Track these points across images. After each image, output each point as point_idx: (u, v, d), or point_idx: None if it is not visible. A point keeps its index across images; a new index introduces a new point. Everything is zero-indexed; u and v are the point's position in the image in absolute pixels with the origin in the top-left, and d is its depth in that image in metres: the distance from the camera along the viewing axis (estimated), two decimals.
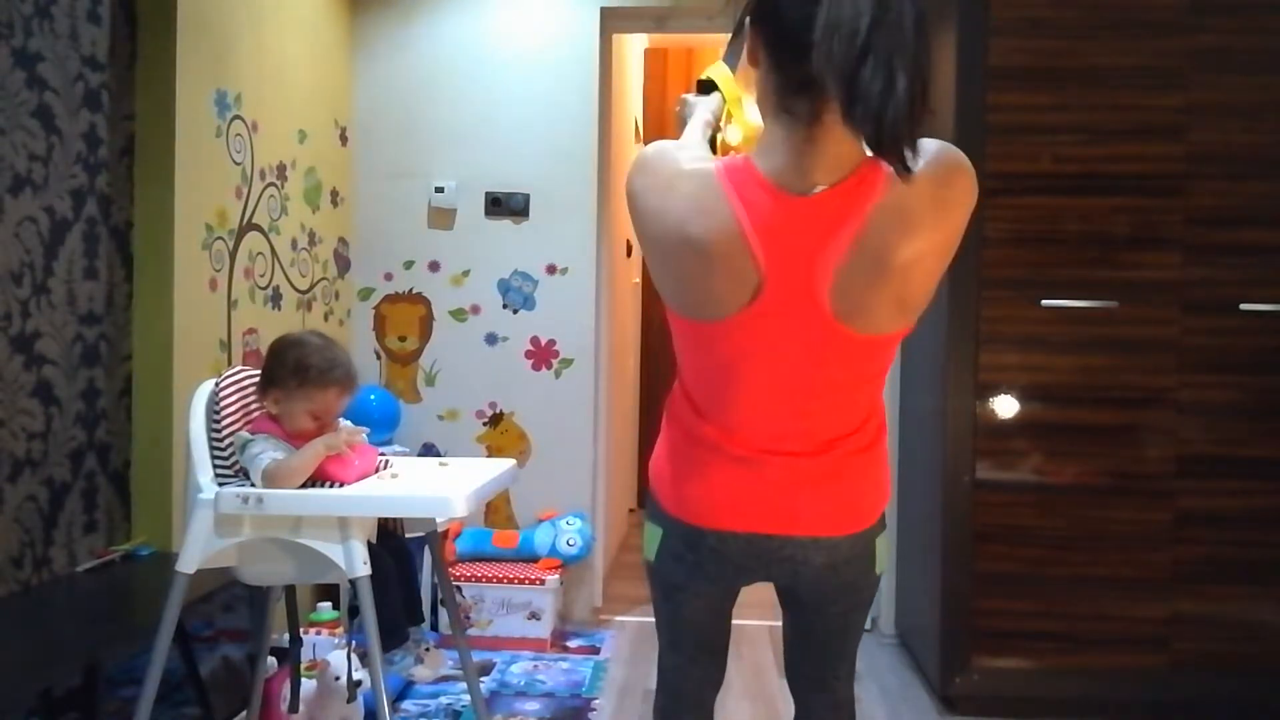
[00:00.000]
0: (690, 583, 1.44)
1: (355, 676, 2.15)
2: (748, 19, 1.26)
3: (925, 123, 1.12)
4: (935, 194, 1.19)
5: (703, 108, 1.51)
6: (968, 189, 1.21)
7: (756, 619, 3.54)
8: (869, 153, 1.15)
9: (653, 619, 1.59)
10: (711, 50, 5.41)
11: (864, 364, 1.30)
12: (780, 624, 1.68)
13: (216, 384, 1.89)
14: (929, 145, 1.20)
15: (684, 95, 1.56)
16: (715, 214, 1.21)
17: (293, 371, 1.82)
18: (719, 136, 1.53)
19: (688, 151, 1.30)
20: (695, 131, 1.47)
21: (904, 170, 1.13)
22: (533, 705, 2.88)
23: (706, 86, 1.53)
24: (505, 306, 3.67)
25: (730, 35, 1.49)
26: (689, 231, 1.22)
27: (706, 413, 1.36)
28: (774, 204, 1.20)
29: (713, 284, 1.24)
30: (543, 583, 3.34)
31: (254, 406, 1.91)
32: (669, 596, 1.49)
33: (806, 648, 1.55)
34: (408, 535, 2.06)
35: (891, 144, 1.10)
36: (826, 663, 1.55)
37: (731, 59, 1.52)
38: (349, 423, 1.96)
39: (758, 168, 1.23)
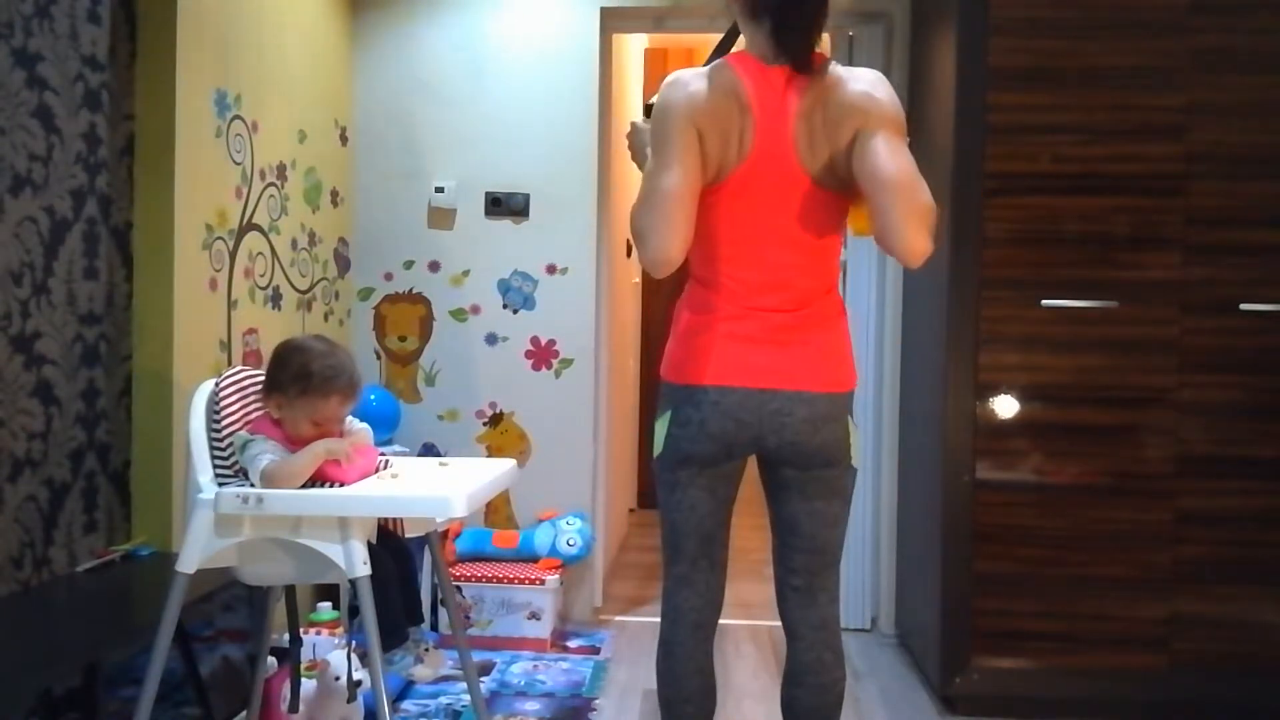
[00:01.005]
0: (695, 449, 1.73)
1: (355, 676, 2.15)
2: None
3: (822, 28, 1.70)
4: (865, 94, 1.68)
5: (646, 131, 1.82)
6: (874, 81, 1.70)
7: (757, 619, 3.54)
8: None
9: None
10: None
11: (824, 217, 1.71)
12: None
13: (216, 384, 1.89)
14: (867, 73, 1.73)
15: (633, 121, 1.89)
16: (729, 84, 1.68)
17: (294, 378, 1.82)
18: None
19: (703, 67, 1.73)
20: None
21: (805, 65, 1.68)
22: (533, 705, 2.88)
23: (650, 111, 1.76)
24: (505, 306, 3.67)
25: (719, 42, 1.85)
26: (713, 100, 1.66)
27: (706, 279, 1.75)
28: (762, 74, 1.69)
29: (723, 140, 1.65)
30: (543, 583, 3.34)
31: (254, 406, 1.91)
32: (676, 484, 1.77)
33: (794, 542, 1.80)
34: (408, 535, 2.06)
35: (801, 44, 1.69)
36: (812, 565, 1.79)
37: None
38: (357, 421, 1.96)
39: (748, 53, 1.72)
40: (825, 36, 1.77)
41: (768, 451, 1.75)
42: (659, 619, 1.90)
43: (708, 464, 1.75)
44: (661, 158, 1.66)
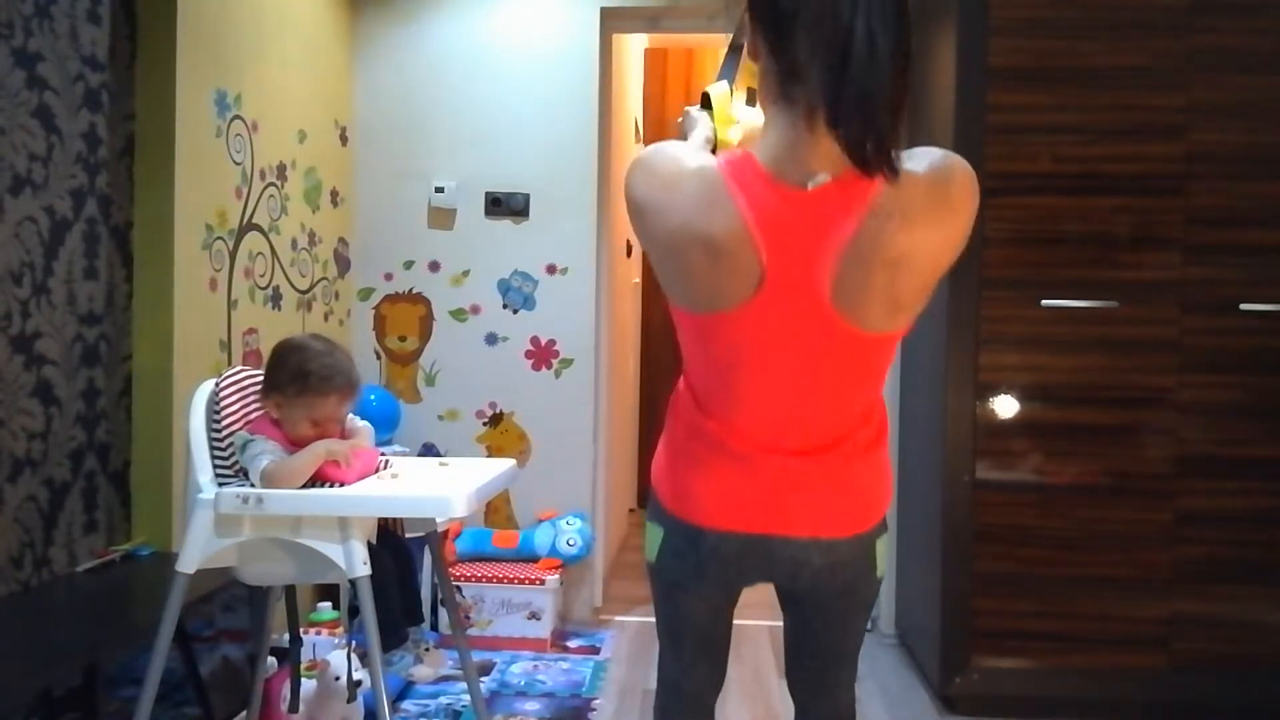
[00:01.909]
0: (691, 582, 1.44)
1: (355, 676, 2.15)
2: (746, 13, 1.27)
3: (905, 116, 1.18)
4: (932, 194, 1.20)
5: (704, 124, 1.51)
6: (967, 193, 1.22)
7: (756, 619, 3.54)
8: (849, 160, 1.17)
9: (653, 619, 1.59)
10: (711, 50, 5.40)
11: (862, 361, 1.30)
12: (781, 624, 1.68)
13: (216, 384, 1.89)
14: (932, 150, 1.23)
15: (687, 108, 1.57)
16: (720, 209, 1.22)
17: (292, 378, 1.82)
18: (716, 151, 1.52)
19: (688, 149, 1.31)
20: (696, 144, 1.47)
21: (887, 169, 1.16)
22: (533, 705, 2.88)
23: (708, 100, 1.52)
24: (505, 306, 3.67)
25: (727, 49, 1.51)
26: (694, 228, 1.23)
27: (709, 408, 1.37)
28: (776, 197, 1.21)
29: (717, 278, 1.24)
30: (543, 583, 3.34)
31: (254, 406, 1.91)
32: (669, 597, 1.49)
33: (807, 651, 1.55)
34: (408, 535, 2.06)
35: (875, 137, 1.15)
36: (827, 667, 1.54)
37: (729, 71, 1.52)
38: (359, 420, 1.96)
39: (758, 160, 1.24)
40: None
41: (779, 587, 1.50)
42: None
43: (704, 594, 1.47)
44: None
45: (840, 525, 1.37)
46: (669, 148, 1.31)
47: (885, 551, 1.45)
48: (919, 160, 1.22)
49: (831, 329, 1.25)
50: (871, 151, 1.15)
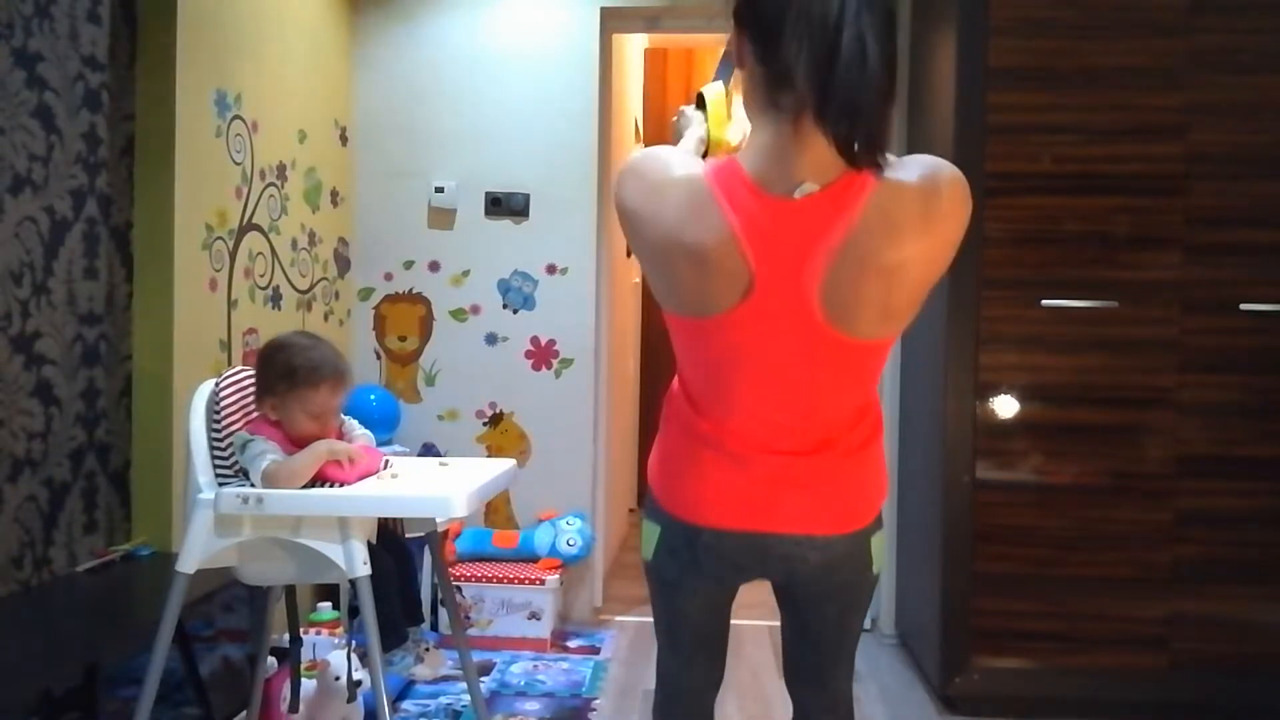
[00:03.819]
0: (687, 580, 1.44)
1: (355, 676, 2.15)
2: (733, 19, 1.27)
3: (892, 119, 1.18)
4: (923, 202, 1.20)
5: (698, 123, 1.52)
6: (958, 200, 1.22)
7: (756, 619, 3.54)
8: (839, 158, 1.17)
9: (653, 619, 1.58)
10: (711, 50, 5.40)
11: (853, 367, 1.30)
12: (779, 623, 1.68)
13: (216, 384, 1.89)
14: (923, 157, 1.24)
15: (682, 107, 1.57)
16: (707, 219, 1.22)
17: (281, 375, 1.82)
18: (709, 153, 1.52)
19: (676, 156, 1.31)
20: (688, 145, 1.49)
21: (875, 166, 1.17)
22: (533, 705, 2.88)
23: (703, 101, 1.53)
24: (505, 306, 3.67)
25: (723, 52, 1.49)
26: (682, 237, 1.23)
27: (702, 408, 1.37)
28: (762, 207, 1.21)
29: (705, 284, 1.25)
30: (543, 583, 3.34)
31: (254, 407, 1.91)
32: (667, 595, 1.50)
33: (804, 648, 1.55)
34: (408, 535, 2.06)
35: (863, 139, 1.15)
36: (824, 663, 1.54)
37: (725, 72, 1.51)
38: (359, 426, 1.96)
39: (745, 169, 1.23)
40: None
41: (775, 584, 1.51)
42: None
43: (701, 592, 1.48)
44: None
45: (835, 522, 1.37)
46: (658, 154, 1.31)
47: (882, 548, 1.46)
48: (909, 169, 1.21)
49: (821, 336, 1.25)
50: (861, 147, 1.15)
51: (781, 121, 1.21)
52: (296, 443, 1.82)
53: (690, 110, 1.54)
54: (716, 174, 1.24)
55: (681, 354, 1.39)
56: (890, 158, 1.21)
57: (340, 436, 1.91)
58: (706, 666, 1.57)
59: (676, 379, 1.45)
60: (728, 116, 1.51)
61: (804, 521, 1.36)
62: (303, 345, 1.86)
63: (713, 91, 1.52)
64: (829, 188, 1.20)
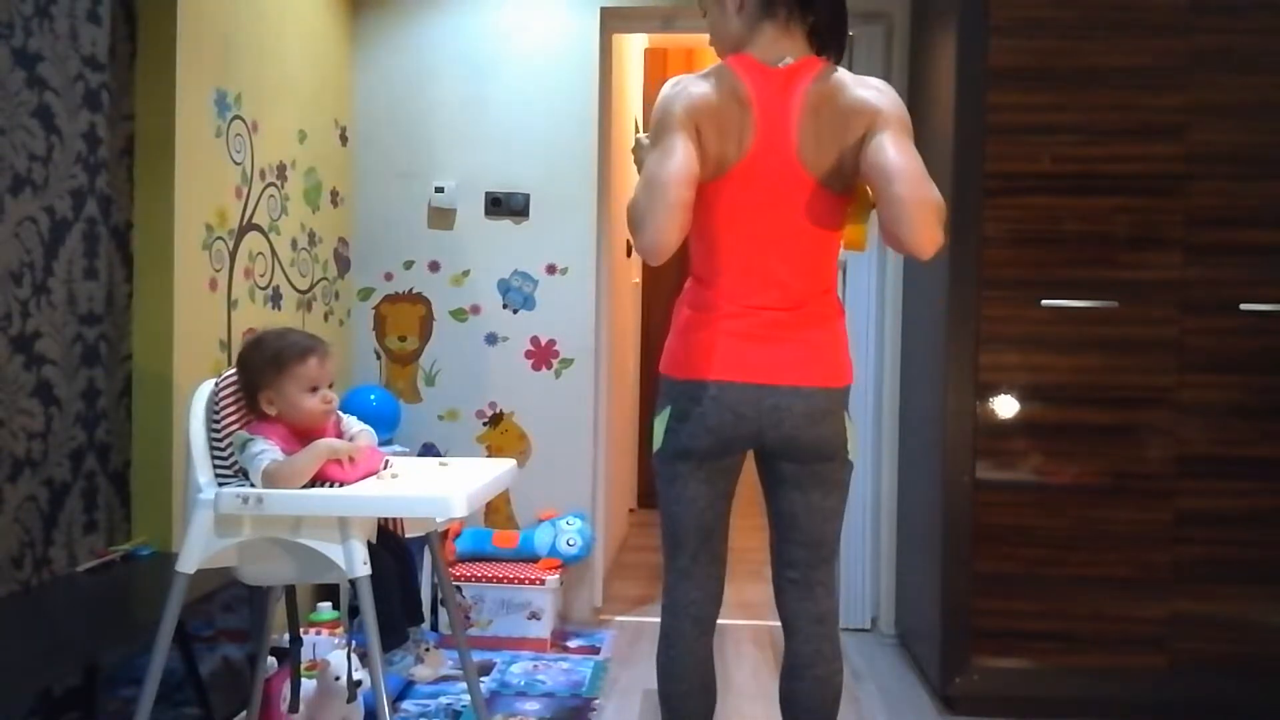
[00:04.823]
0: (696, 444, 1.76)
1: (355, 676, 2.15)
2: None
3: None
4: (858, 78, 1.76)
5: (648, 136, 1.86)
6: (882, 86, 1.74)
7: (756, 619, 3.54)
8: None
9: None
10: (711, 50, 5.39)
11: (820, 220, 1.74)
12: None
13: (216, 384, 1.89)
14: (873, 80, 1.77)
15: (638, 137, 1.89)
16: (729, 84, 1.73)
17: (268, 362, 1.83)
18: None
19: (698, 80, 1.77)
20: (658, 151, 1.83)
21: (838, 51, 1.80)
22: (533, 705, 2.88)
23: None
24: (505, 306, 3.67)
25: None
26: (713, 98, 1.70)
27: (706, 278, 1.78)
28: (763, 75, 1.74)
29: (724, 138, 1.69)
30: (543, 583, 3.34)
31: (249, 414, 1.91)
32: (674, 478, 1.81)
33: (791, 538, 1.83)
34: (408, 535, 2.06)
35: (832, 37, 1.80)
36: (809, 559, 1.82)
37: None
38: (358, 423, 1.96)
39: (749, 54, 1.77)
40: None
41: (766, 446, 1.78)
42: (659, 617, 1.91)
43: (706, 458, 1.79)
44: (660, 148, 1.69)
45: (814, 376, 1.74)
46: (685, 74, 1.78)
47: (855, 437, 1.82)
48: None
49: (798, 180, 1.71)
50: (831, 40, 1.79)
51: (775, 19, 1.77)
52: (299, 427, 1.82)
53: (644, 138, 1.84)
54: (733, 59, 1.77)
55: (694, 237, 1.78)
56: (845, 72, 1.76)
57: (340, 435, 1.91)
58: (707, 568, 1.85)
59: (690, 278, 1.83)
60: None
61: (791, 374, 1.73)
62: (275, 333, 1.89)
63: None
64: (800, 60, 1.75)
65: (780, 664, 1.92)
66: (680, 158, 1.66)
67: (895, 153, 1.63)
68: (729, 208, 1.73)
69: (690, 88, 1.72)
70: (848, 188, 1.74)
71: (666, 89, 1.76)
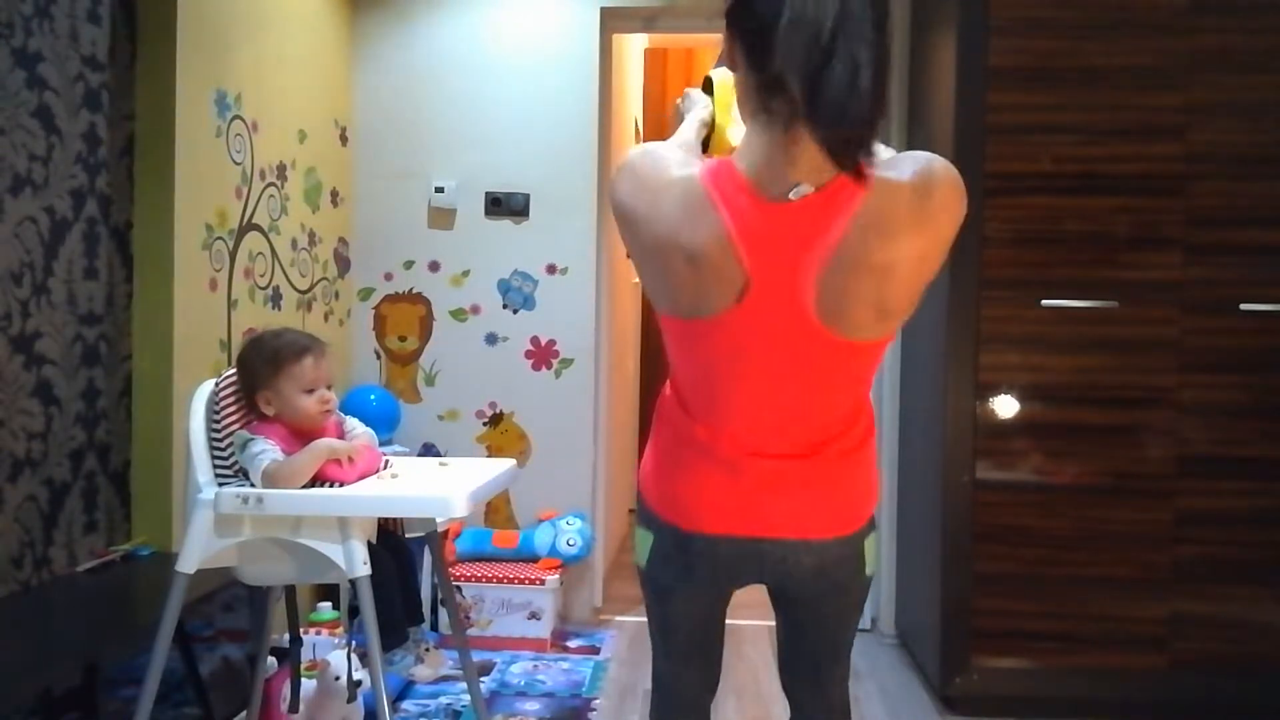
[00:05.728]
0: (681, 586, 1.44)
1: (355, 676, 2.15)
2: (724, 21, 1.26)
3: (883, 126, 1.18)
4: (916, 201, 1.19)
5: (701, 106, 1.51)
6: (951, 197, 1.22)
7: (755, 619, 3.53)
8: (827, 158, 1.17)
9: (647, 624, 1.59)
10: (711, 51, 5.40)
11: (846, 368, 1.30)
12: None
13: (216, 384, 1.89)
14: (916, 154, 1.24)
15: (688, 89, 1.56)
16: (703, 221, 1.22)
17: (265, 362, 1.83)
18: (713, 137, 1.53)
19: (674, 155, 1.30)
20: (689, 129, 1.48)
21: (858, 175, 1.18)
22: (533, 705, 2.88)
23: (709, 85, 1.53)
24: (505, 306, 3.67)
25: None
26: (677, 239, 1.23)
27: (695, 413, 1.36)
28: (757, 209, 1.21)
29: (700, 286, 1.25)
30: (543, 583, 3.34)
31: (249, 415, 1.91)
32: (661, 600, 1.49)
33: (800, 650, 1.55)
34: (408, 535, 2.06)
35: (854, 145, 1.16)
36: (820, 665, 1.54)
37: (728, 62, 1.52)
38: (360, 425, 1.96)
39: (740, 170, 1.23)
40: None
41: (768, 586, 1.50)
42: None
43: (695, 597, 1.48)
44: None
45: (828, 527, 1.37)
46: (655, 152, 1.30)
47: (875, 550, 1.46)
48: (903, 167, 1.21)
49: (815, 337, 1.25)
50: (850, 153, 1.16)
51: (774, 125, 1.19)
52: (299, 427, 1.82)
53: (696, 93, 1.54)
54: (712, 176, 1.24)
55: (675, 357, 1.38)
56: (883, 154, 1.22)
57: (340, 435, 1.91)
58: (702, 671, 1.56)
59: (668, 384, 1.44)
60: (733, 105, 1.51)
61: (797, 526, 1.35)
62: (271, 333, 1.89)
63: (720, 76, 1.50)
64: (823, 189, 1.19)
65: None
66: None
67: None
68: (721, 349, 1.29)
69: (648, 208, 1.26)
70: (894, 326, 1.29)
71: (618, 184, 1.31)
